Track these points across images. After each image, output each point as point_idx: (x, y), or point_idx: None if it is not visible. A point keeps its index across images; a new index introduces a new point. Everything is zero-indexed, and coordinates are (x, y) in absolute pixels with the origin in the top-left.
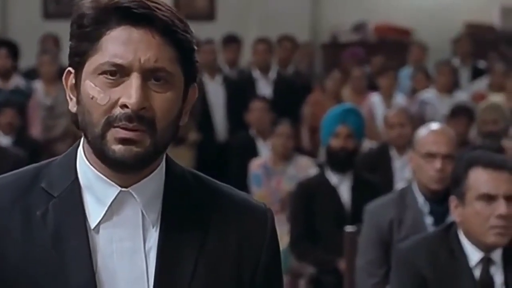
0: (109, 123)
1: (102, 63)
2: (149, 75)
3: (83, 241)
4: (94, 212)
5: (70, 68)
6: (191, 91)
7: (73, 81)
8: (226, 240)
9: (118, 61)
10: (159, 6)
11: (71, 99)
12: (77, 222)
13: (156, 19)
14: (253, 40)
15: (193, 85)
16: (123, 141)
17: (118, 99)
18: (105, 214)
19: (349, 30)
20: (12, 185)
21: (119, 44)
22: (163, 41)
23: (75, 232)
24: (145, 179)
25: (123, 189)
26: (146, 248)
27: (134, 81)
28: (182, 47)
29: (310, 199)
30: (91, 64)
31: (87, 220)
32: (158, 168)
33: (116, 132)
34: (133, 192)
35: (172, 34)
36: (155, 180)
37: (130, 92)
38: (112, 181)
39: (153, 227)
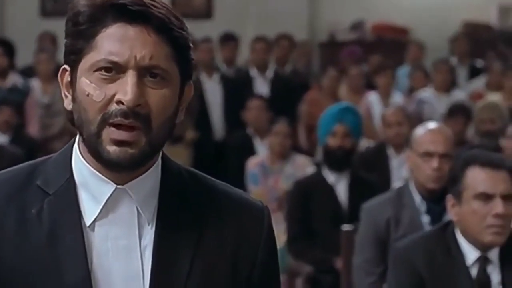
0: (105, 120)
1: (98, 60)
2: (145, 72)
3: (78, 239)
4: (89, 210)
5: (65, 66)
6: (187, 89)
7: (69, 79)
8: (222, 238)
9: (114, 58)
10: (155, 4)
11: (66, 96)
12: (72, 219)
13: (152, 16)
14: (251, 39)
15: (189, 83)
16: (118, 142)
17: (114, 95)
18: (100, 211)
19: (346, 29)
20: (7, 182)
21: (114, 41)
22: (159, 39)
23: (70, 230)
24: (141, 177)
25: (118, 186)
26: (142, 246)
27: (129, 78)
28: (178, 45)
29: (307, 198)
30: (86, 62)
31: (83, 218)
32: (154, 165)
33: (112, 132)
34: (128, 190)
35: (168, 31)
36: (151, 177)
37: (125, 89)
38: (108, 178)
39: (148, 224)
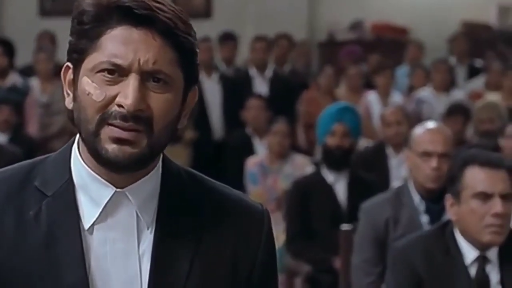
0: (104, 120)
1: (101, 62)
2: (148, 76)
3: (76, 242)
4: (88, 213)
5: (68, 64)
6: (191, 95)
7: (71, 77)
8: (221, 240)
9: (118, 61)
10: (162, 7)
11: (68, 95)
12: (70, 222)
13: (157, 20)
14: (250, 38)
15: (194, 88)
16: (117, 140)
17: (115, 96)
18: (99, 215)
19: (346, 29)
20: (6, 181)
21: (119, 44)
22: (164, 43)
23: (68, 233)
24: (141, 180)
25: (118, 189)
26: (140, 251)
27: (132, 82)
28: (183, 50)
29: (306, 198)
30: (89, 62)
31: (81, 221)
32: (155, 169)
33: (111, 131)
34: (128, 194)
35: (173, 36)
36: (151, 181)
37: (127, 93)
38: (107, 181)
39: (148, 228)
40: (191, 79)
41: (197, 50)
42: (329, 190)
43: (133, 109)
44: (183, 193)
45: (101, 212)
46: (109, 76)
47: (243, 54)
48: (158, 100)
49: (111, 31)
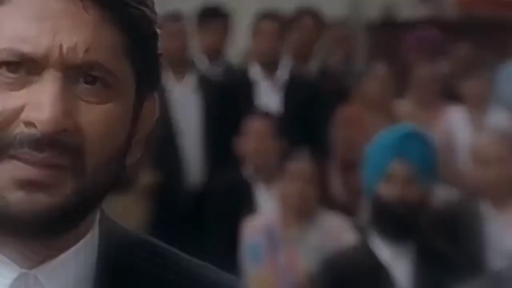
0: (3, 150)
1: None
2: (76, 73)
3: None
4: None
5: None
6: (148, 106)
7: None
8: None
9: (24, 48)
10: None
11: None
12: None
13: None
14: (251, 16)
15: (153, 97)
16: (25, 184)
17: (20, 109)
18: None
19: (413, 2)
20: None
21: (26, 19)
22: (102, 18)
23: None
24: (63, 254)
25: (24, 270)
26: None
27: (49, 83)
28: (135, 30)
29: (346, 286)
30: None
31: None
32: (88, 234)
33: (14, 169)
34: (40, 277)
35: (117, 7)
36: (80, 255)
37: (40, 102)
38: (8, 257)
39: None
40: (147, 81)
41: (158, 32)
42: (383, 273)
43: (52, 129)
44: (132, 275)
45: None
46: (10, 74)
47: (240, 42)
48: (93, 115)
49: None
